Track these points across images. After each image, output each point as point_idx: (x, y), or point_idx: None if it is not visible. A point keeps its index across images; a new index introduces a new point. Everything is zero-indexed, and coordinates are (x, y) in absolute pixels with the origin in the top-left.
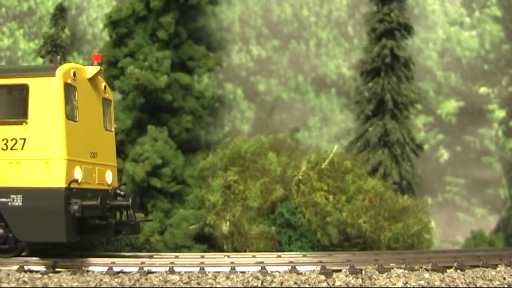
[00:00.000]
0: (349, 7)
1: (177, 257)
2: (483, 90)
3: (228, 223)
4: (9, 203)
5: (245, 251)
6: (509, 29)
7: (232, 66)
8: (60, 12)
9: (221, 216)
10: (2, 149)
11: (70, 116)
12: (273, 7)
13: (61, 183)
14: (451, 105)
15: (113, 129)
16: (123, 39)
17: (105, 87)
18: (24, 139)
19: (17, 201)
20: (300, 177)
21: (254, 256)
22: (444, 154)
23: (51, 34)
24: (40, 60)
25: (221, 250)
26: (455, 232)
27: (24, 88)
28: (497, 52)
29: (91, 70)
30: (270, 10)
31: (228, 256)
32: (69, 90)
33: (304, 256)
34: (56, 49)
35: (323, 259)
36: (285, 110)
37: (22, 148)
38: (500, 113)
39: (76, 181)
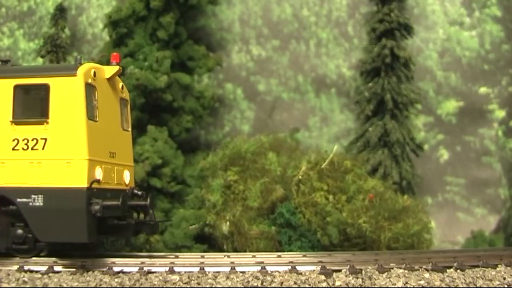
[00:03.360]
0: (349, 7)
1: (177, 257)
2: (483, 90)
3: (228, 223)
4: (30, 203)
5: (245, 251)
6: (509, 29)
7: (232, 66)
8: (60, 12)
9: (221, 216)
10: (23, 149)
11: (91, 116)
12: (273, 7)
13: (83, 183)
14: (451, 105)
15: (129, 129)
16: (123, 39)
17: (122, 87)
18: (45, 139)
19: (38, 201)
20: (300, 177)
21: (254, 256)
22: (444, 154)
23: (51, 34)
24: (40, 60)
25: (221, 250)
26: (455, 232)
27: (45, 88)
28: (497, 52)
29: (110, 70)
30: (270, 10)
31: (228, 256)
32: (89, 90)
33: (304, 256)
34: (56, 49)
35: (323, 259)
36: (285, 110)
37: (43, 148)
38: (500, 113)
39: (97, 181)
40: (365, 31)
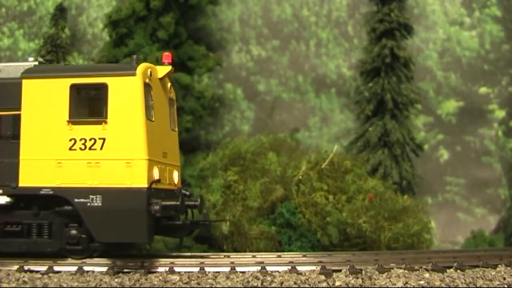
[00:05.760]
0: (349, 7)
1: (177, 257)
2: (483, 90)
3: (228, 223)
4: (88, 204)
5: (245, 251)
6: (509, 29)
7: (232, 66)
8: (60, 12)
9: (221, 216)
10: (80, 149)
11: (148, 116)
12: (273, 7)
13: (143, 183)
14: (451, 105)
15: (176, 129)
16: (123, 39)
17: (170, 87)
18: (103, 139)
19: (96, 201)
20: (300, 177)
21: (254, 256)
22: (444, 154)
23: (51, 34)
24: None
25: (221, 250)
26: (455, 232)
27: (103, 87)
28: (497, 52)
29: (162, 70)
30: (270, 10)
31: (228, 256)
32: (147, 89)
33: (304, 256)
34: (56, 49)
35: (323, 259)
36: (285, 110)
37: (101, 148)
38: (500, 113)
39: (158, 181)
40: (365, 31)
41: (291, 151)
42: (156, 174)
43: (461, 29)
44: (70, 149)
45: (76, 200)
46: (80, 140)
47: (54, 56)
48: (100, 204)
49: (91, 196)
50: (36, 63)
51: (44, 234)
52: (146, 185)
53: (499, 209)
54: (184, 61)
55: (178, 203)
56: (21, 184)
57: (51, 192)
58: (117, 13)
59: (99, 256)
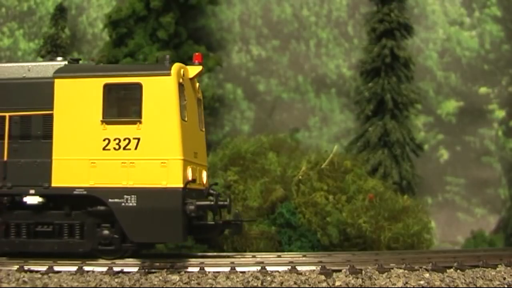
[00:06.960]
0: (349, 7)
1: (177, 257)
2: (483, 90)
3: None
4: (122, 204)
5: (245, 251)
6: (509, 29)
7: (232, 66)
8: (60, 12)
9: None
10: (114, 148)
11: (182, 116)
12: (273, 7)
13: (179, 183)
14: (451, 105)
15: (204, 129)
16: (123, 39)
17: (198, 87)
18: (138, 139)
19: (131, 201)
20: (300, 177)
21: (254, 256)
22: (444, 154)
23: (51, 34)
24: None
25: (221, 250)
26: (455, 232)
27: (137, 87)
28: (497, 52)
29: (193, 70)
30: (270, 10)
31: (228, 256)
32: (181, 89)
33: (304, 256)
34: (56, 49)
35: (323, 259)
36: (285, 110)
37: (135, 148)
38: (500, 113)
39: (193, 181)
40: (365, 31)
41: (291, 151)
42: (190, 174)
43: (461, 29)
44: (104, 149)
45: (110, 200)
46: (114, 140)
47: (54, 56)
48: (134, 204)
49: (125, 196)
50: (66, 62)
51: (76, 234)
52: (181, 185)
53: (499, 209)
54: (184, 61)
55: (212, 203)
56: (54, 184)
57: (85, 192)
58: (117, 13)
59: (98, 257)
